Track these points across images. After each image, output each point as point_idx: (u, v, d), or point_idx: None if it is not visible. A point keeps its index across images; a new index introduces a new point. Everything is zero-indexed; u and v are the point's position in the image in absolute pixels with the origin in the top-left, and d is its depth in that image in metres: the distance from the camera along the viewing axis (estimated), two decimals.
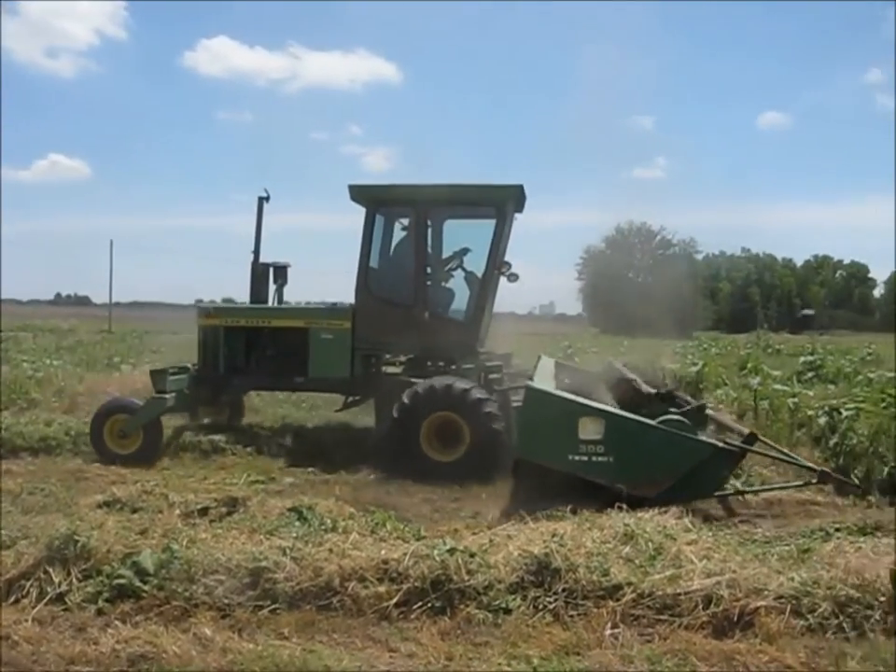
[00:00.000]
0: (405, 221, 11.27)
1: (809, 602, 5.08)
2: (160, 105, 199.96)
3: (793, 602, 5.07)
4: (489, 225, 10.83)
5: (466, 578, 5.30)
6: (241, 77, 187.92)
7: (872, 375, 15.67)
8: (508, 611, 5.15)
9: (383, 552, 5.62)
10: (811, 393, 12.76)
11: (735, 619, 4.98)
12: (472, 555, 5.54)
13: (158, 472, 9.28)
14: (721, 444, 7.86)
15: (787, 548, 6.04)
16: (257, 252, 11.85)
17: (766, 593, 5.12)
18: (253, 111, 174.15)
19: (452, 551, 5.52)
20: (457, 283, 11.43)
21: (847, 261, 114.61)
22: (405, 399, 9.58)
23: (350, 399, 11.73)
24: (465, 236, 11.48)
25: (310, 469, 9.62)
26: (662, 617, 5.04)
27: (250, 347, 11.53)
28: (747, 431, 8.12)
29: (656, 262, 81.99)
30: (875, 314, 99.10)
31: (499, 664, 4.59)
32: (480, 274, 10.98)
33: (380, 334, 10.81)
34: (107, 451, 10.07)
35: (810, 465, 8.20)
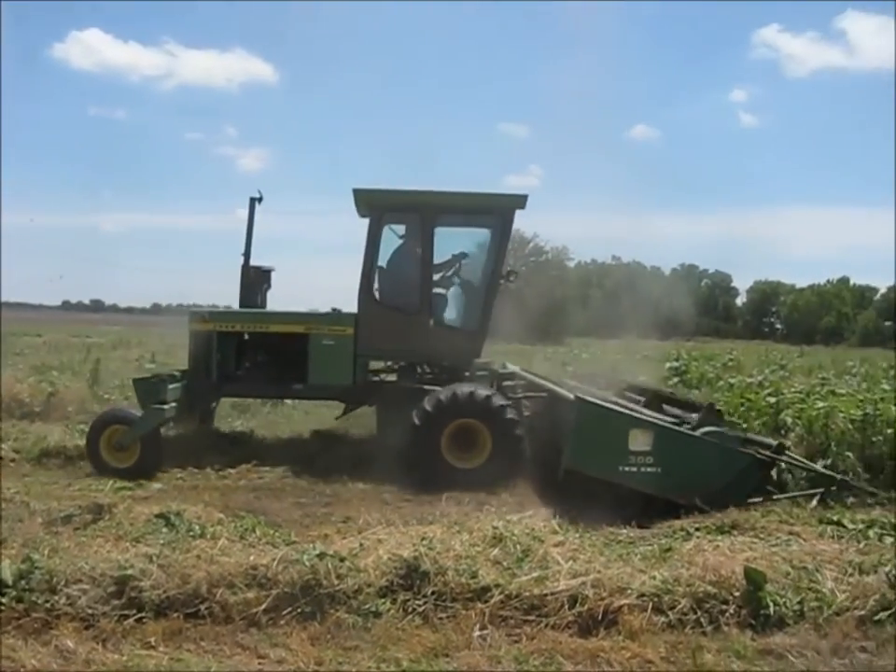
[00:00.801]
0: (407, 227, 11.06)
1: (670, 599, 5.25)
2: (27, 97, 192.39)
3: (655, 599, 5.24)
4: (482, 233, 11.08)
5: (336, 582, 5.29)
6: (114, 72, 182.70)
7: (732, 381, 16.24)
8: (377, 615, 5.16)
9: (252, 557, 5.56)
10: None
11: (600, 617, 5.11)
12: (342, 560, 5.53)
13: (19, 479, 8.96)
14: (758, 455, 8.17)
15: (650, 548, 6.24)
16: (247, 255, 11.45)
17: (629, 591, 5.27)
18: (126, 108, 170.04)
19: (322, 555, 5.51)
20: (458, 290, 11.30)
21: (711, 271, 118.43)
22: (427, 406, 9.46)
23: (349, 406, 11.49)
24: (459, 243, 11.33)
25: (179, 475, 9.45)
26: (529, 617, 5.14)
27: (246, 353, 11.19)
28: (774, 442, 8.52)
29: (529, 269, 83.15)
30: (737, 321, 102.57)
31: (369, 667, 4.60)
32: (478, 282, 11.01)
33: (383, 341, 10.60)
34: (104, 464, 9.51)
35: (831, 473, 8.47)
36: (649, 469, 7.95)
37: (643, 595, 5.26)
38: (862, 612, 5.26)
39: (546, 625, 5.06)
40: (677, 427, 8.38)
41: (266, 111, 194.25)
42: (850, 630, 5.13)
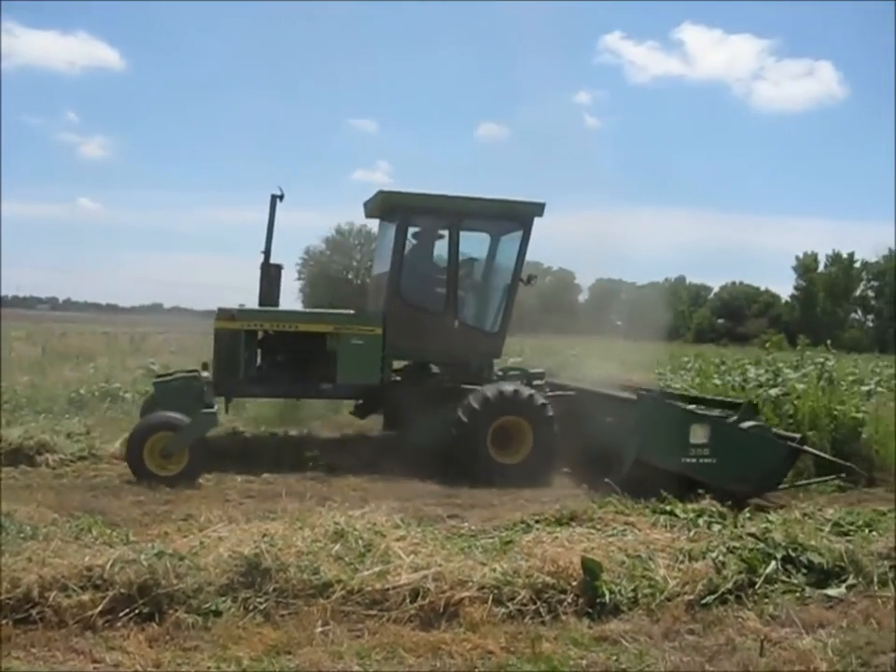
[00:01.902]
0: (432, 230, 11.34)
1: (510, 590, 5.34)
2: None
3: (495, 591, 5.32)
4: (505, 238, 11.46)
5: (174, 582, 5.15)
6: None
7: None
8: (218, 614, 5.06)
9: (87, 558, 5.34)
10: None
11: (441, 610, 5.16)
12: (182, 559, 5.40)
13: None
14: (792, 445, 9.27)
15: (491, 540, 6.33)
16: (267, 253, 11.22)
17: (470, 584, 5.33)
18: None
19: (160, 554, 5.36)
20: (480, 292, 11.70)
21: (555, 268, 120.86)
22: (474, 404, 9.86)
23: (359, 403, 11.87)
24: (480, 248, 11.74)
25: (12, 475, 9.07)
26: (371, 612, 5.13)
27: (274, 352, 11.03)
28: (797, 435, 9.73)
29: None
30: (580, 317, 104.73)
31: (209, 667, 4.50)
32: (498, 285, 11.39)
33: (410, 341, 10.77)
34: (147, 472, 9.01)
35: (840, 462, 9.51)
36: (706, 460, 8.94)
37: (483, 587, 5.33)
38: (691, 597, 5.51)
39: (388, 620, 5.07)
40: (731, 422, 9.40)
41: (111, 98, 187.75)
42: (680, 614, 5.36)
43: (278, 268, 11.36)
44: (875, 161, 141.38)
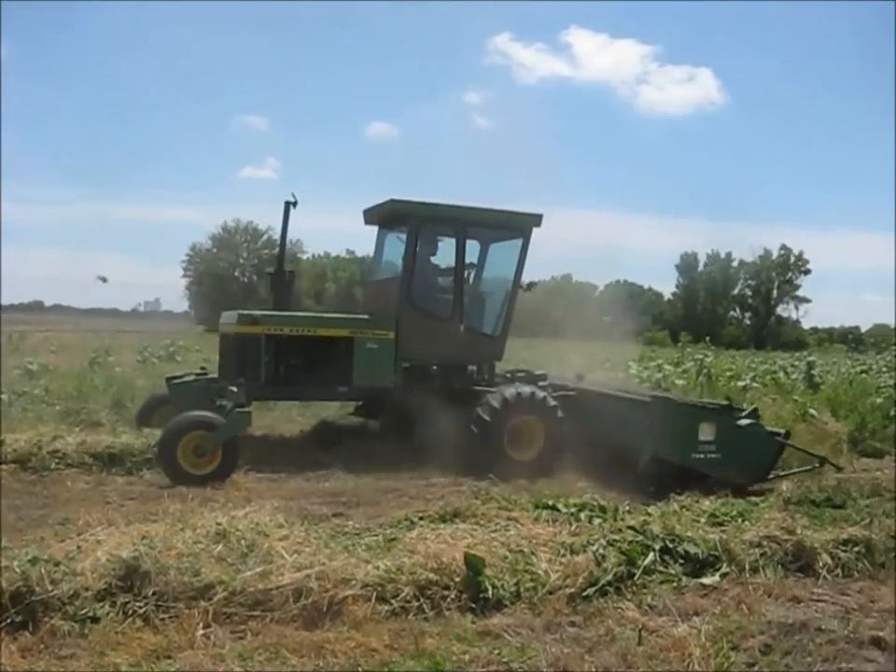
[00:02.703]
0: (440, 238, 11.81)
1: (393, 588, 5.37)
2: None
3: (379, 589, 5.33)
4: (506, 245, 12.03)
5: (50, 588, 5.00)
6: None
7: None
8: (95, 620, 4.93)
9: None
10: None
11: (325, 609, 5.14)
12: (57, 564, 5.24)
13: None
14: (781, 440, 10.06)
15: (375, 538, 6.31)
16: (281, 258, 11.69)
17: (354, 582, 5.32)
18: None
19: (34, 560, 5.19)
20: (483, 298, 12.19)
21: None
22: (495, 404, 10.43)
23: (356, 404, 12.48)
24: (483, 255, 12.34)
25: None
26: (254, 613, 5.08)
27: (293, 356, 11.10)
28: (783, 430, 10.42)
29: (262, 262, 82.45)
30: None
31: None
32: (500, 290, 11.96)
33: (421, 344, 11.21)
34: (181, 472, 9.09)
35: (814, 453, 10.27)
36: (712, 456, 9.72)
37: (367, 585, 5.33)
38: (572, 589, 5.62)
39: (271, 620, 5.03)
40: (733, 420, 10.08)
41: None
42: (562, 607, 5.47)
43: (291, 273, 11.87)
44: (751, 165, 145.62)
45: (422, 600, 5.34)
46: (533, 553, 5.99)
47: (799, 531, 6.73)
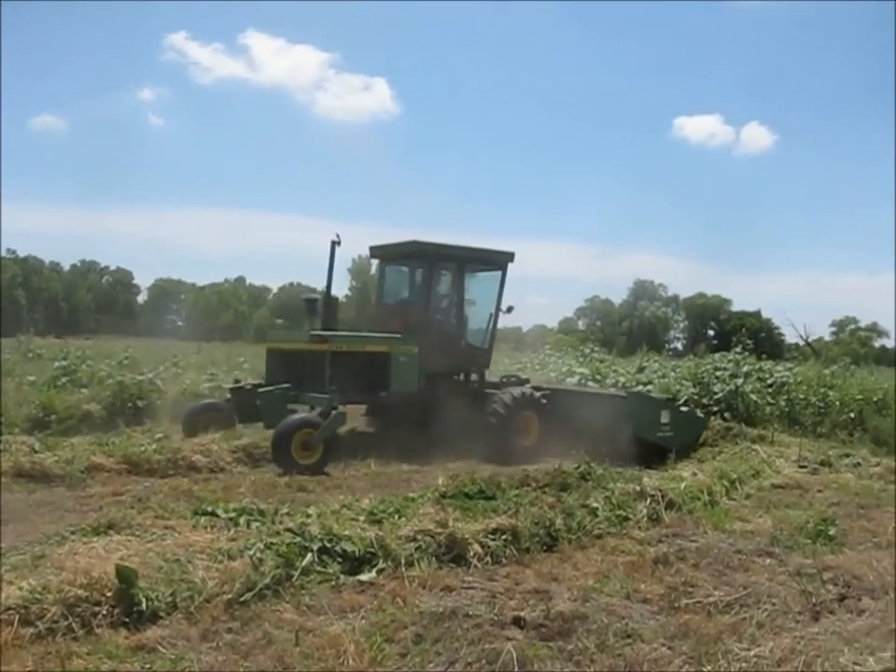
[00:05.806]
0: (446, 273, 14.80)
1: (38, 609, 5.10)
2: None
3: (23, 611, 5.05)
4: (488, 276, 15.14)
5: None
6: None
7: (122, 378, 16.36)
8: None
9: None
10: None
11: None
12: None
13: None
14: (704, 418, 15.36)
15: (21, 557, 6.01)
16: (329, 287, 13.74)
17: None
18: None
19: None
20: (474, 319, 15.00)
21: (113, 267, 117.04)
22: (507, 401, 13.63)
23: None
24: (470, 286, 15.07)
25: None
26: None
27: (348, 367, 12.97)
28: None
29: None
30: (139, 318, 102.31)
31: None
32: (486, 313, 14.86)
33: (436, 357, 13.92)
34: (292, 462, 11.15)
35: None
36: (668, 434, 13.94)
37: (10, 608, 5.04)
38: (230, 596, 5.63)
39: None
40: (681, 407, 15.29)
41: None
42: (219, 614, 5.45)
43: (336, 299, 14.11)
44: (430, 175, 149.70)
45: (71, 619, 5.11)
46: (190, 562, 5.91)
47: (451, 524, 7.11)
